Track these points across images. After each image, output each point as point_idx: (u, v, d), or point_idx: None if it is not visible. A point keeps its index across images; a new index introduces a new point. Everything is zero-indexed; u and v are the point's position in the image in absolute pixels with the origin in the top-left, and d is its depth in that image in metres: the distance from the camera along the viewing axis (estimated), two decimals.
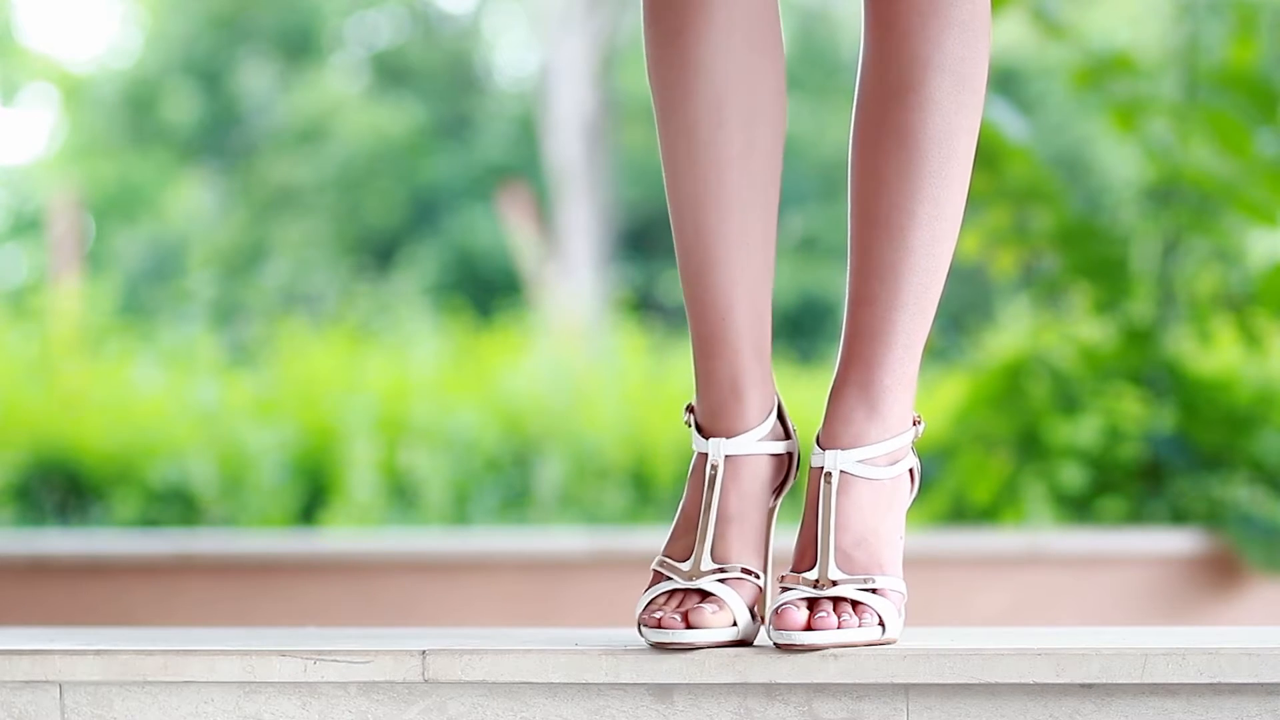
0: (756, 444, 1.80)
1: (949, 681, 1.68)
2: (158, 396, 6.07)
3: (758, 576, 1.78)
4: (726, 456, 1.80)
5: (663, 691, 1.72)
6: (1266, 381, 4.36)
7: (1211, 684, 1.67)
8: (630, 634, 1.79)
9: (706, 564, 1.77)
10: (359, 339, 7.04)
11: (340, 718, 1.74)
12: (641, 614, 1.76)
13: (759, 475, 1.81)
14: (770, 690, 1.71)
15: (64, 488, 5.72)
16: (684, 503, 1.81)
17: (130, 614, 3.76)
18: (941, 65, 1.77)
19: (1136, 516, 4.21)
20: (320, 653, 1.73)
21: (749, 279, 1.80)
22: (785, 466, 1.84)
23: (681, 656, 1.71)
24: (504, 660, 1.72)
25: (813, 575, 1.74)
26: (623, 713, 1.72)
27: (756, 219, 1.80)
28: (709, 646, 1.72)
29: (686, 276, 1.81)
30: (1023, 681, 1.68)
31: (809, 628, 1.71)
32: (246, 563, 3.87)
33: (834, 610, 1.72)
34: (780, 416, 1.84)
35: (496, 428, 5.84)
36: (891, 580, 1.76)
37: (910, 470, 1.82)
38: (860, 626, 1.72)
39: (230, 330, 8.97)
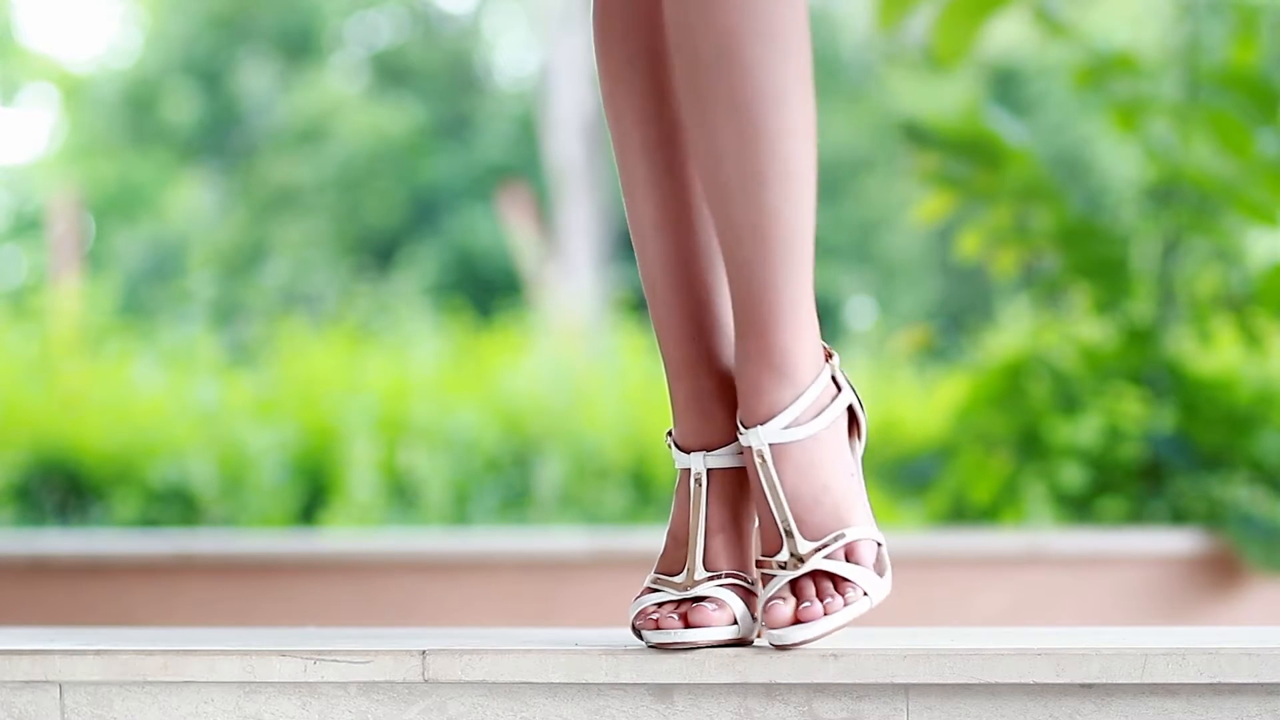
0: (737, 457, 1.80)
1: (949, 681, 1.68)
2: (158, 396, 6.07)
3: (750, 583, 1.78)
4: (709, 470, 1.80)
5: (663, 691, 1.72)
6: (1266, 381, 4.36)
7: (1211, 684, 1.67)
8: (631, 634, 1.79)
9: (700, 574, 1.77)
10: (359, 339, 7.04)
11: (340, 718, 1.74)
12: (636, 618, 1.76)
13: (743, 487, 1.81)
14: (770, 690, 1.71)
15: (64, 488, 5.72)
16: (671, 521, 1.81)
17: (130, 614, 3.76)
18: (752, 28, 1.73)
19: (1136, 516, 4.21)
20: (320, 653, 1.73)
21: (711, 300, 1.80)
22: None
23: (682, 656, 1.71)
24: (504, 660, 1.72)
25: (783, 556, 1.74)
26: (623, 713, 1.72)
27: (714, 241, 1.80)
28: (709, 646, 1.73)
29: (649, 300, 1.82)
30: (1023, 681, 1.68)
31: (796, 620, 1.71)
32: (246, 563, 3.87)
33: (817, 594, 1.72)
34: None
35: (496, 428, 5.84)
36: (858, 529, 1.75)
37: (849, 407, 1.80)
38: (846, 605, 1.72)
39: (230, 330, 8.97)
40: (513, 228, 10.03)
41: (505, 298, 10.69)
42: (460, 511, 5.61)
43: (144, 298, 12.04)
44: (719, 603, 1.74)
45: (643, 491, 5.81)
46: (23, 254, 13.75)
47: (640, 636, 1.75)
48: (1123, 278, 4.32)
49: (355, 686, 1.74)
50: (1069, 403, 4.26)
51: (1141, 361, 4.28)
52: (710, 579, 1.76)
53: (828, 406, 1.77)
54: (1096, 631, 1.92)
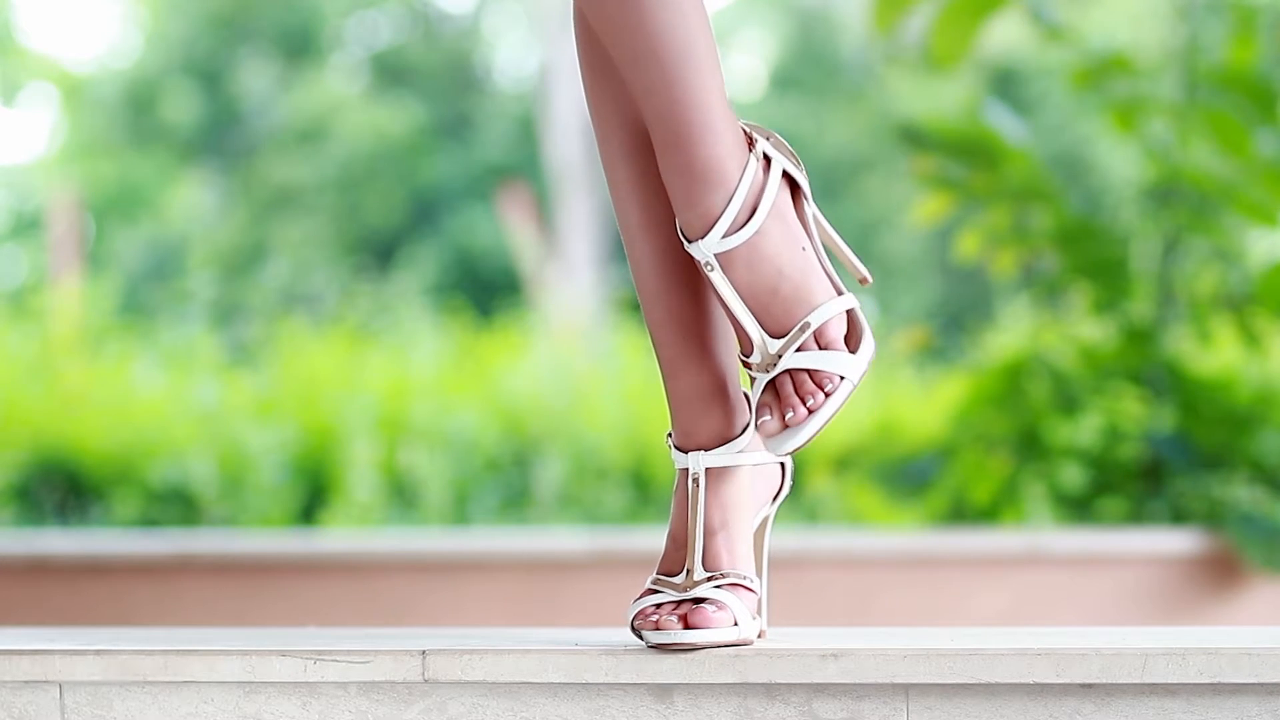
0: (736, 455, 1.80)
1: (949, 681, 1.68)
2: (158, 396, 6.07)
3: (752, 583, 1.78)
4: (707, 469, 1.80)
5: (663, 691, 1.72)
6: (1266, 381, 4.36)
7: (1211, 684, 1.67)
8: (630, 634, 1.78)
9: (700, 574, 1.77)
10: (359, 339, 7.04)
11: (340, 718, 1.74)
12: (635, 619, 1.76)
13: (742, 486, 1.81)
14: (770, 690, 1.71)
15: (64, 488, 5.72)
16: (671, 523, 1.81)
17: (130, 614, 3.76)
18: None
19: (1136, 516, 4.21)
20: (320, 653, 1.73)
21: (703, 302, 1.81)
22: (775, 477, 1.85)
23: (682, 656, 1.71)
24: (504, 660, 1.72)
25: (756, 358, 1.76)
26: (623, 713, 1.72)
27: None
28: (709, 647, 1.72)
29: (642, 303, 1.82)
30: (1023, 681, 1.68)
31: (785, 428, 1.74)
32: (246, 563, 3.87)
33: (797, 393, 1.74)
34: None
35: (496, 428, 5.84)
36: (821, 310, 1.76)
37: (784, 174, 1.79)
38: (827, 398, 1.74)
39: (230, 330, 8.96)
40: (512, 228, 10.03)
41: (505, 298, 10.69)
42: (460, 511, 5.61)
43: (144, 298, 12.04)
44: (719, 604, 1.74)
45: (643, 491, 5.81)
46: (23, 254, 13.74)
47: (640, 637, 1.75)
48: (1122, 278, 4.32)
49: (355, 686, 1.74)
50: (1069, 403, 4.26)
51: (1141, 361, 4.28)
52: (710, 580, 1.76)
53: (762, 194, 1.77)
54: (1096, 631, 1.92)
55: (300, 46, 14.79)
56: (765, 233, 1.75)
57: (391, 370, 6.30)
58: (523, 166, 13.60)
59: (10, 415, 5.75)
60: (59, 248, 8.03)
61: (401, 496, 5.62)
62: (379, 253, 13.68)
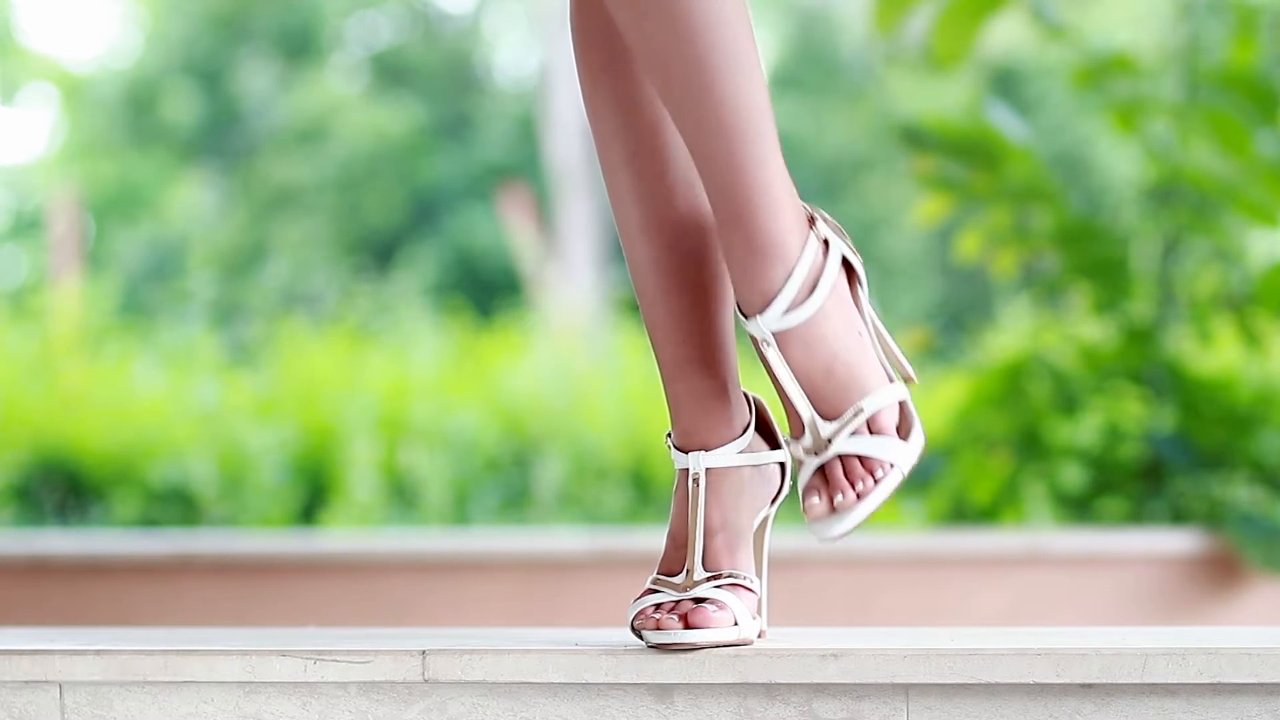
0: (736, 456, 1.80)
1: (949, 681, 1.68)
2: (158, 396, 6.07)
3: (752, 583, 1.78)
4: (707, 469, 1.80)
5: (663, 691, 1.72)
6: (1266, 381, 4.36)
7: (1211, 684, 1.67)
8: (630, 634, 1.78)
9: (700, 574, 1.77)
10: (359, 339, 7.04)
11: (340, 718, 1.74)
12: (635, 619, 1.76)
13: (742, 487, 1.81)
14: (770, 690, 1.71)
15: (64, 488, 5.72)
16: (671, 523, 1.82)
17: (130, 614, 3.76)
18: None
19: (1136, 516, 4.21)
20: (320, 653, 1.73)
21: (705, 302, 1.80)
22: (775, 478, 1.85)
23: (682, 656, 1.71)
24: (504, 660, 1.72)
25: (807, 441, 1.75)
26: (623, 713, 1.72)
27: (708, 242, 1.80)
28: (709, 647, 1.72)
29: (642, 305, 1.82)
30: (1023, 681, 1.68)
31: (833, 511, 1.74)
32: (246, 563, 3.87)
33: (847, 477, 1.74)
34: (764, 428, 1.85)
35: (496, 428, 5.84)
36: (875, 398, 1.76)
37: (844, 260, 1.79)
38: (877, 484, 1.75)
39: (230, 330, 8.96)
40: (512, 227, 10.02)
41: (505, 298, 10.69)
42: (460, 511, 5.61)
43: (144, 298, 12.04)
44: (719, 604, 1.74)
45: (643, 491, 5.81)
46: (23, 254, 13.74)
47: (640, 637, 1.75)
48: (1122, 278, 4.32)
49: (355, 686, 1.74)
50: (1069, 403, 4.26)
51: (1141, 361, 4.28)
52: (710, 579, 1.76)
53: (822, 275, 1.76)
54: (1096, 631, 1.92)
55: (300, 46, 14.79)
56: (824, 313, 1.75)
57: (391, 370, 6.30)
58: (523, 166, 13.60)
59: (10, 415, 5.75)
60: (59, 248, 8.03)
61: (401, 496, 5.62)
62: (379, 253, 13.68)
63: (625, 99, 1.80)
